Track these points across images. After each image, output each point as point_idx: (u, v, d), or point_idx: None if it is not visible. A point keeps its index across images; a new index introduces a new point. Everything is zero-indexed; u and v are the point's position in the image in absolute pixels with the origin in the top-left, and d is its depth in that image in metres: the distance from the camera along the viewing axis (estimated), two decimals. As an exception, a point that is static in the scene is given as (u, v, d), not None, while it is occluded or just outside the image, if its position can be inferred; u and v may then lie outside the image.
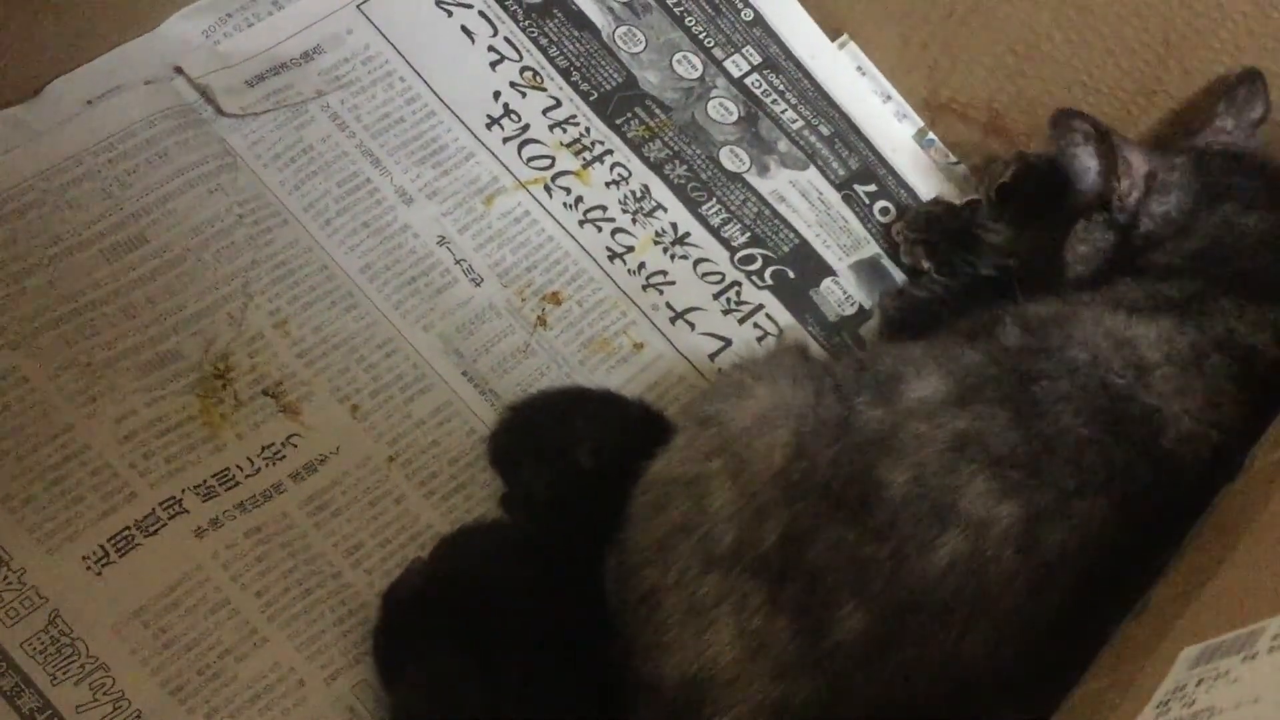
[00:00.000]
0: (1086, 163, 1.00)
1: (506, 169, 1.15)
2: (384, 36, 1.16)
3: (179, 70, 1.10)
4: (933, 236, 1.19)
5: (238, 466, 0.98)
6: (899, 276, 1.22)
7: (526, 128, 1.17)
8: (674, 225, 1.17)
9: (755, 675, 0.82)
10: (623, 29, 1.24)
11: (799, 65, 1.28)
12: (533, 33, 1.21)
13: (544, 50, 1.21)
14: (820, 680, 0.81)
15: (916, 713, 0.80)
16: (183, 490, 0.96)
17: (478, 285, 1.10)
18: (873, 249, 1.22)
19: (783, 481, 0.84)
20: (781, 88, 1.27)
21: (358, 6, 1.17)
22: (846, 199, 1.24)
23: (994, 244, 1.15)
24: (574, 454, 0.99)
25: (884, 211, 1.24)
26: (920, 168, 1.28)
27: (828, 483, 0.83)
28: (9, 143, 1.04)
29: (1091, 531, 0.79)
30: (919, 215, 1.21)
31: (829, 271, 1.20)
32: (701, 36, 1.26)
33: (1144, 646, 0.64)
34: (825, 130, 1.26)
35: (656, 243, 1.16)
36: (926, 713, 0.80)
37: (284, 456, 1.00)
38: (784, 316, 1.16)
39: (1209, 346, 0.86)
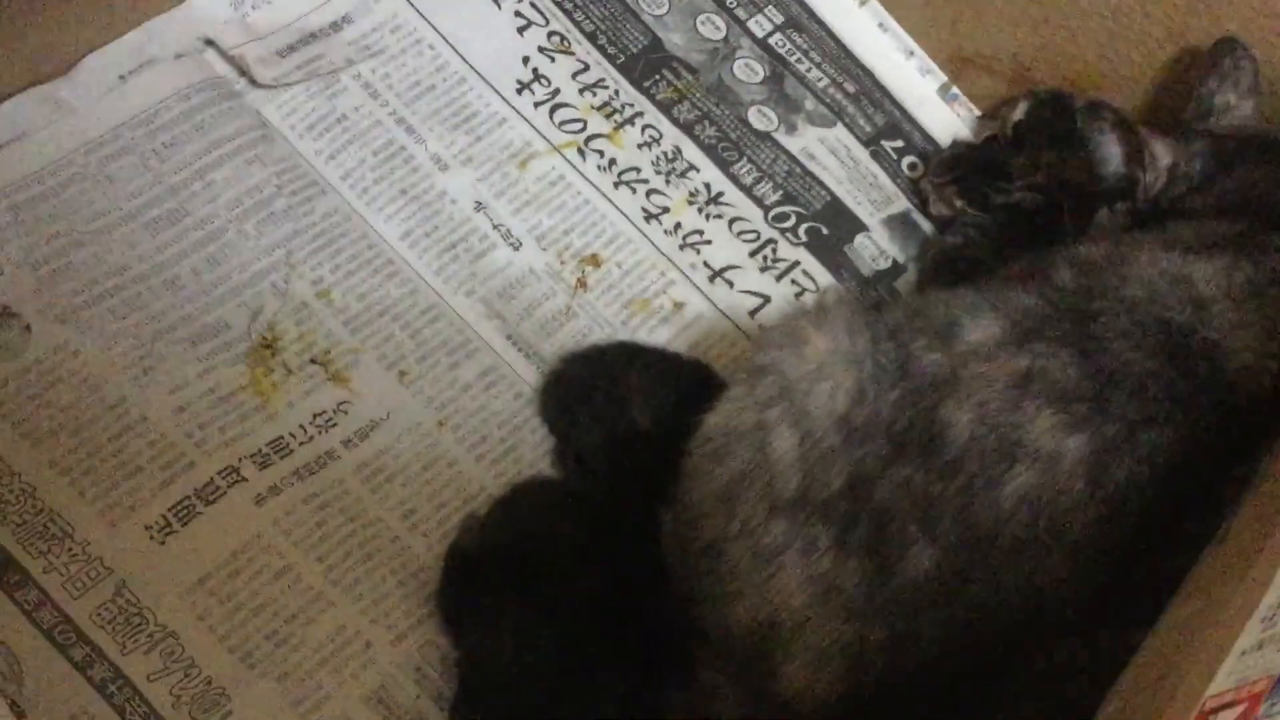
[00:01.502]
0: (1111, 150, 1.01)
1: (539, 133, 1.15)
2: (411, 4, 1.16)
3: (209, 43, 1.09)
4: (960, 173, 1.19)
5: (291, 435, 0.99)
6: (930, 230, 1.23)
7: (557, 92, 1.17)
8: (707, 185, 1.18)
9: (826, 618, 0.83)
10: (646, -8, 1.24)
11: (821, 24, 1.28)
12: (558, -4, 1.21)
13: (569, 15, 1.21)
14: (892, 620, 0.81)
15: (990, 648, 0.81)
16: (239, 459, 0.96)
17: (516, 250, 1.10)
18: (903, 204, 1.23)
19: (846, 426, 0.84)
20: (805, 47, 1.27)
21: (382, -24, 1.17)
22: (875, 155, 1.24)
23: (1021, 165, 1.16)
24: (628, 409, 1.00)
25: (912, 167, 1.25)
26: (946, 122, 1.28)
27: (891, 425, 0.84)
28: (46, 119, 1.03)
29: (1159, 461, 0.80)
30: (942, 159, 1.22)
31: (861, 227, 1.20)
32: (723, -3, 1.27)
33: (1233, 569, 0.65)
34: (850, 88, 1.26)
35: (691, 203, 1.17)
36: (999, 647, 0.81)
37: (335, 424, 1.00)
38: (820, 272, 1.17)
39: (1265, 281, 0.87)
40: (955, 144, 1.25)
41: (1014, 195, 1.17)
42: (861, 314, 0.90)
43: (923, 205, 1.23)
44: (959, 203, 1.19)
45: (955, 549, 0.80)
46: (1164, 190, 1.02)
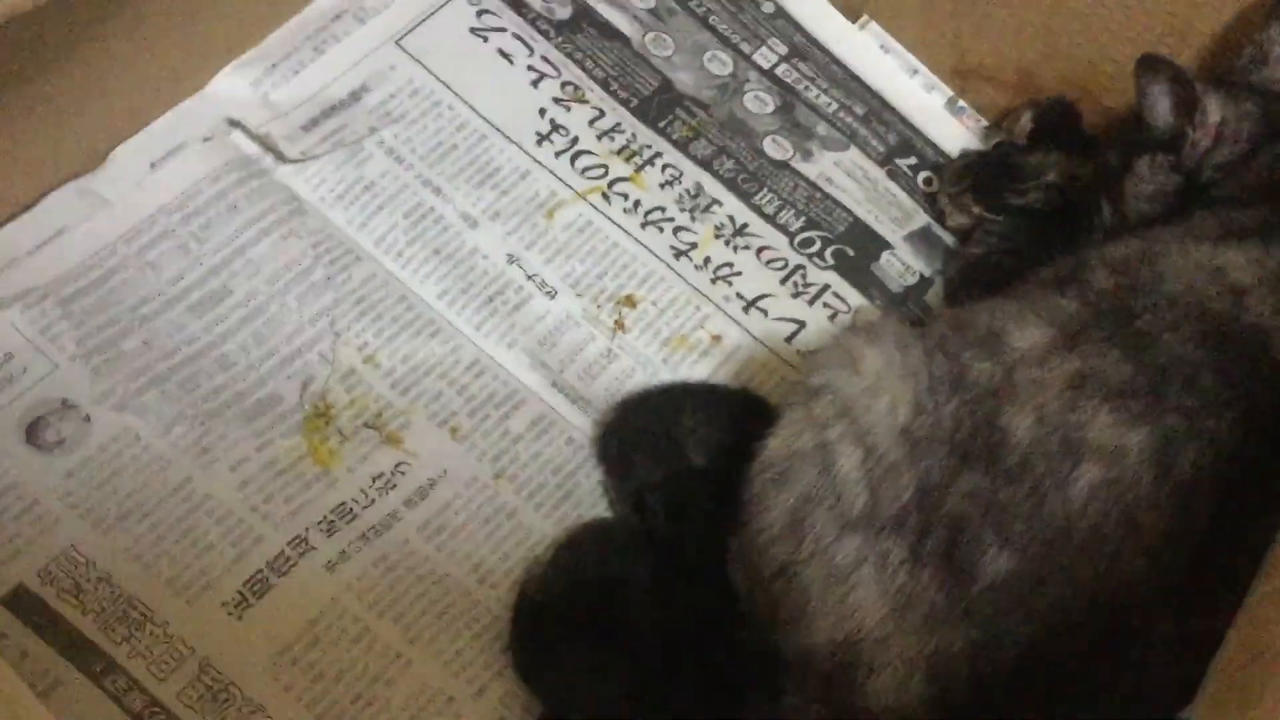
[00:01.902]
0: (1162, 102, 1.02)
1: (563, 182, 1.17)
2: (426, 68, 1.18)
3: (235, 123, 1.11)
4: (976, 180, 1.21)
5: (353, 500, 1.00)
6: (951, 242, 1.25)
7: (576, 140, 1.19)
8: (731, 218, 1.20)
9: (907, 630, 0.84)
10: (651, 35, 1.26)
11: (825, 50, 1.31)
12: (567, 48, 1.23)
13: (580, 64, 1.23)
14: (974, 627, 0.83)
15: (1073, 645, 0.82)
16: (306, 528, 0.98)
17: (552, 298, 1.12)
18: (923, 219, 1.25)
19: (908, 439, 0.86)
20: (811, 74, 1.29)
21: (396, 42, 1.19)
22: (890, 174, 1.26)
23: (1035, 165, 1.18)
24: (683, 450, 1.01)
25: (928, 182, 1.27)
26: (955, 136, 1.30)
27: (952, 435, 0.85)
28: (84, 213, 1.05)
29: (1223, 445, 0.81)
30: (954, 169, 1.24)
31: (885, 245, 1.22)
32: (727, 34, 1.29)
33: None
34: (860, 110, 1.29)
35: (718, 236, 1.18)
36: (1083, 644, 0.82)
37: (395, 485, 1.01)
38: (850, 293, 1.19)
39: None
40: (965, 154, 1.27)
41: (1029, 196, 1.19)
42: (909, 330, 0.92)
43: (940, 219, 1.25)
44: (976, 209, 1.21)
45: (1030, 551, 0.81)
46: (1210, 154, 1.02)
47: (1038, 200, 1.21)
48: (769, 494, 0.90)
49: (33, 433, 0.96)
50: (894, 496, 0.85)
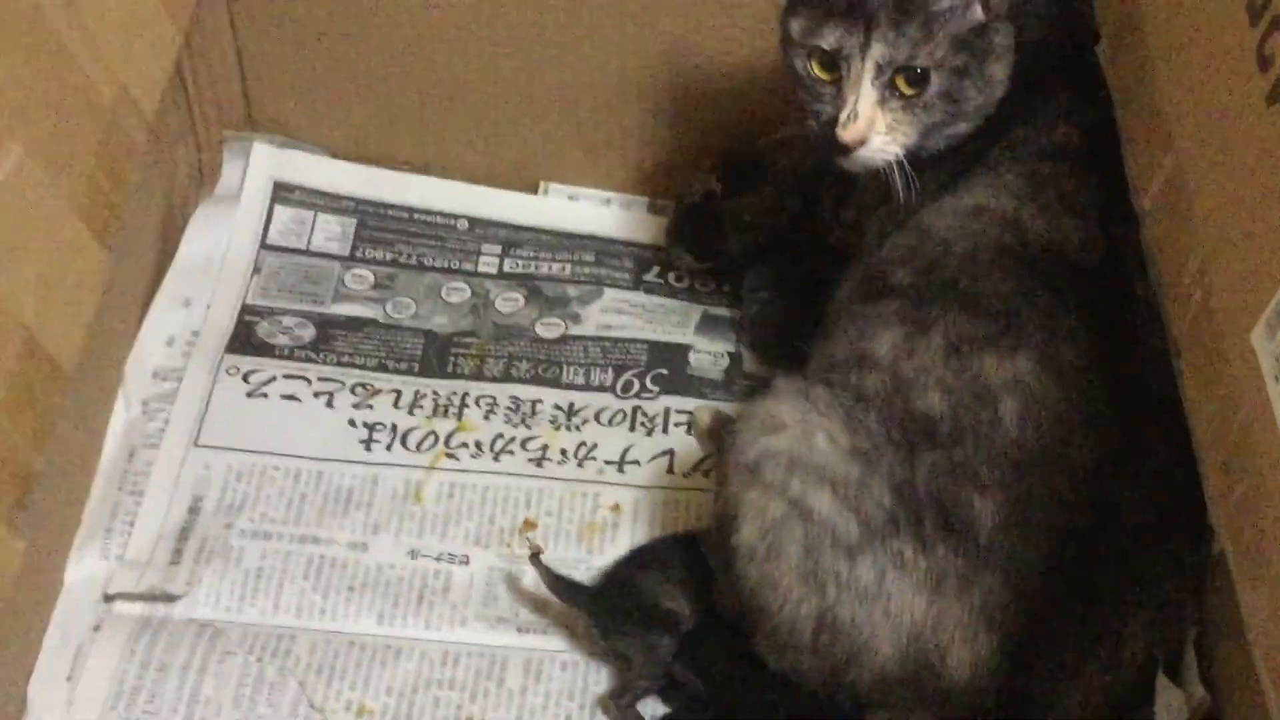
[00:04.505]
0: None
1: (409, 466, 1.23)
2: (235, 450, 1.23)
3: (112, 598, 1.13)
4: (682, 235, 1.36)
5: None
6: (728, 314, 1.37)
7: (395, 426, 1.26)
8: (557, 406, 1.29)
9: (951, 601, 0.95)
10: (389, 304, 1.35)
11: (527, 229, 1.42)
12: (332, 359, 1.30)
13: (351, 364, 1.30)
14: (998, 568, 0.94)
15: (1085, 537, 0.94)
16: None
17: (467, 564, 1.18)
18: (697, 309, 1.37)
19: (859, 455, 0.97)
20: (532, 254, 1.40)
21: (195, 445, 1.23)
22: (647, 290, 1.38)
23: (732, 210, 1.32)
24: (668, 611, 1.09)
25: (679, 278, 1.39)
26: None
27: (889, 436, 0.97)
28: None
29: (1086, 333, 0.96)
30: (668, 228, 1.38)
31: (686, 348, 1.33)
32: (446, 265, 1.39)
33: (1213, 346, 0.79)
34: (589, 257, 1.40)
35: (557, 428, 1.27)
36: (1091, 532, 0.94)
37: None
38: (686, 402, 1.29)
39: (1030, 166, 1.02)
40: (676, 209, 1.39)
41: (733, 249, 1.32)
42: (796, 379, 1.02)
43: (674, 266, 1.38)
44: (688, 257, 1.35)
45: (1004, 485, 0.94)
46: None
47: (744, 242, 1.34)
48: (770, 571, 0.98)
49: None
50: (877, 505, 0.95)
